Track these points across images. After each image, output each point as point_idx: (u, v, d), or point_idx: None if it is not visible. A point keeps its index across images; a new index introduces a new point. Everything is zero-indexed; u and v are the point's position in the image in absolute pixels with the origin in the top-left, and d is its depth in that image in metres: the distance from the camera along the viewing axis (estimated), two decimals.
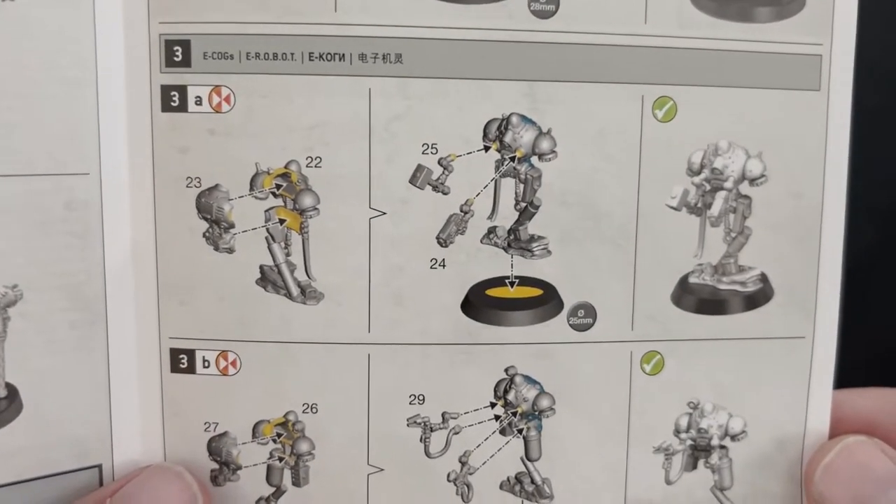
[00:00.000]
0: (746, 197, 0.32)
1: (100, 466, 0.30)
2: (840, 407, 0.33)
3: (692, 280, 0.32)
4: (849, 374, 0.34)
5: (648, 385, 0.32)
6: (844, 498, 0.30)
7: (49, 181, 0.29)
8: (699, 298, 0.32)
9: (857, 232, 0.33)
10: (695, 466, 0.33)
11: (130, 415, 0.31)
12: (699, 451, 0.33)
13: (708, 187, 0.32)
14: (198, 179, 0.30)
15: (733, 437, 0.33)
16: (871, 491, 0.30)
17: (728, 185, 0.32)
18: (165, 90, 0.30)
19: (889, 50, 0.33)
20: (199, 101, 0.30)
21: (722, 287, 0.32)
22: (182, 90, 0.30)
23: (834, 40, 0.32)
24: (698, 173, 0.32)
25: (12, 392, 0.29)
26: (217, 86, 0.30)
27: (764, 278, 0.33)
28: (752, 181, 0.32)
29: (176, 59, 0.30)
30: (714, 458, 0.33)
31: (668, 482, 0.33)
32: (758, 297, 0.33)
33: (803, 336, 0.33)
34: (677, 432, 0.33)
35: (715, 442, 0.33)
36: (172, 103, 0.30)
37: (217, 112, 0.30)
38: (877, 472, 0.30)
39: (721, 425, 0.33)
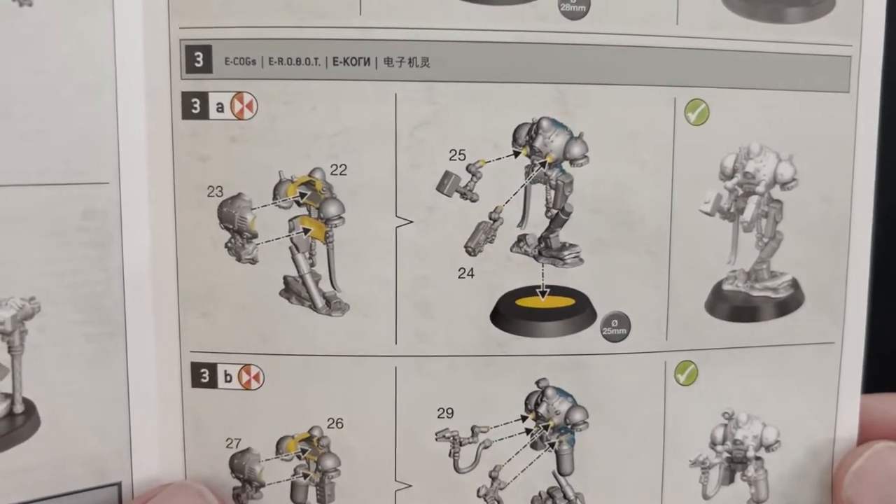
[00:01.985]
0: (778, 201, 0.32)
1: (119, 484, 0.29)
2: (868, 412, 0.33)
3: (726, 287, 0.32)
4: (877, 380, 0.33)
5: (683, 396, 0.32)
6: (874, 503, 0.30)
7: (66, 190, 0.28)
8: (732, 306, 0.32)
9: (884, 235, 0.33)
10: (732, 480, 0.32)
11: (150, 431, 0.30)
12: (736, 464, 0.32)
13: (740, 192, 0.31)
14: (219, 188, 0.30)
15: (768, 448, 0.32)
16: None
17: (760, 189, 0.31)
18: (186, 97, 0.29)
19: None
20: (220, 108, 0.29)
21: (755, 294, 0.32)
22: (203, 97, 0.29)
23: (863, 41, 0.31)
24: (731, 177, 0.31)
25: (30, 407, 0.28)
26: (239, 92, 0.29)
27: (795, 284, 0.32)
28: (784, 185, 0.32)
29: (197, 64, 0.29)
30: (750, 471, 0.32)
31: (706, 497, 0.32)
32: (789, 303, 0.32)
33: (832, 341, 0.32)
34: (713, 444, 0.32)
35: (751, 454, 0.32)
36: (193, 110, 0.29)
37: (239, 119, 0.29)
38: None
39: (756, 436, 0.32)
